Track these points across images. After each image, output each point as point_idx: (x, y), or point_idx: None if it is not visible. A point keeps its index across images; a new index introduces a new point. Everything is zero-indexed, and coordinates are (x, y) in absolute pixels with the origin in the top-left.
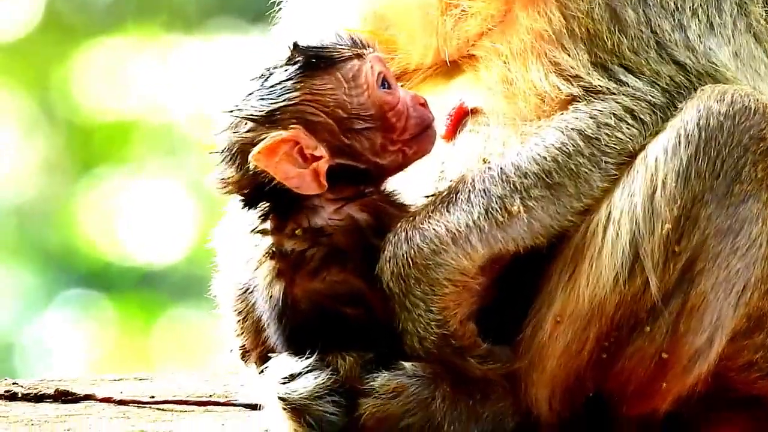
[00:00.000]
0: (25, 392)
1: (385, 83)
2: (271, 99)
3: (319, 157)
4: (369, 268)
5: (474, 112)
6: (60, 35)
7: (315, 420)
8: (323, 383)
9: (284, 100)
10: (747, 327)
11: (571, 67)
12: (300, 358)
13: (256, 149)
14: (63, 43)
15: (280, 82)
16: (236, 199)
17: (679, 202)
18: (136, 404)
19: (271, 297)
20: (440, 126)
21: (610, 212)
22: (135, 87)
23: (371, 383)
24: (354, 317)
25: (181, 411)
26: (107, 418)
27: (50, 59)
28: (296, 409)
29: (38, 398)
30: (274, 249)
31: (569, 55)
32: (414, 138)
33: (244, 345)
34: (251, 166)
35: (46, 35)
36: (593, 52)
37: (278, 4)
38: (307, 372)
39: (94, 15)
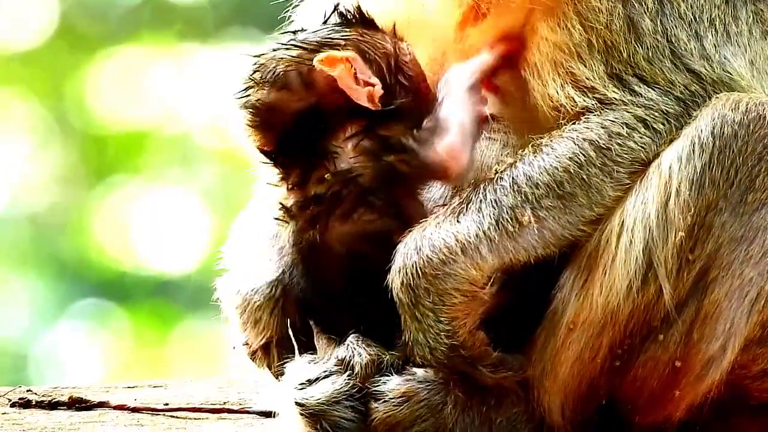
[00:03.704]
0: (39, 400)
1: None
2: (322, 34)
3: (373, 84)
4: (395, 213)
5: (492, 118)
6: (75, 44)
7: (331, 425)
8: (341, 388)
9: (341, 36)
10: (761, 335)
11: (587, 78)
12: (316, 360)
13: (319, 56)
14: (78, 53)
15: (328, 27)
16: (256, 145)
17: (692, 210)
18: (150, 411)
19: (303, 243)
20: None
21: (623, 220)
22: (150, 96)
23: (382, 386)
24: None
25: (195, 418)
26: (121, 425)
27: (65, 68)
28: (313, 415)
29: (52, 406)
30: (302, 202)
31: (585, 66)
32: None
33: (247, 341)
34: (316, 69)
35: (60, 44)
36: (609, 63)
37: (293, 14)
38: (325, 377)
39: (108, 24)
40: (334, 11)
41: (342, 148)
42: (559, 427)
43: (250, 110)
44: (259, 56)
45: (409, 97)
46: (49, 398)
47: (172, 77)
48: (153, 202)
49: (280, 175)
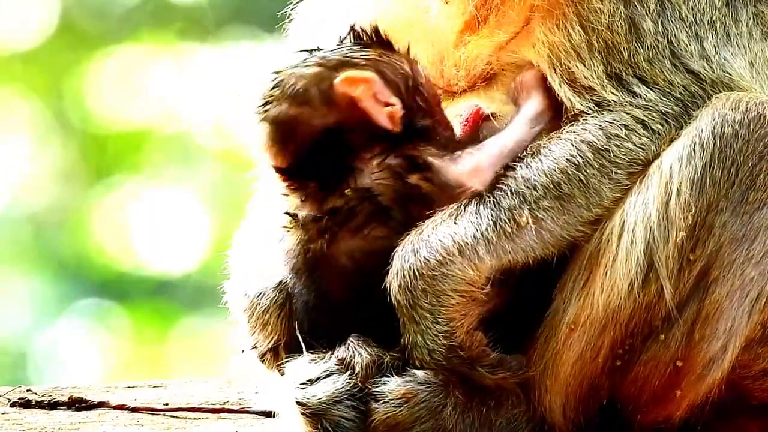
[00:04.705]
0: (39, 399)
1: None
2: (345, 51)
3: (393, 105)
4: (407, 228)
5: (491, 117)
6: (75, 43)
7: (332, 425)
8: (342, 388)
9: (361, 56)
10: (762, 335)
11: (585, 78)
12: (317, 360)
13: (341, 76)
14: (77, 51)
15: (346, 46)
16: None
17: (693, 210)
18: (150, 411)
19: (309, 253)
20: (457, 129)
21: (624, 220)
22: (149, 95)
23: (382, 387)
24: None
25: (195, 418)
26: (121, 425)
27: (65, 67)
28: (314, 414)
29: (52, 405)
30: (314, 214)
31: (585, 66)
32: (446, 132)
33: (255, 344)
34: (337, 89)
35: (60, 43)
36: (609, 63)
37: (293, 12)
38: (326, 376)
39: (108, 23)
40: (351, 31)
41: (366, 166)
42: (560, 427)
43: (270, 125)
44: (278, 72)
45: (427, 119)
46: (49, 398)
47: (172, 76)
48: (153, 201)
49: (293, 187)
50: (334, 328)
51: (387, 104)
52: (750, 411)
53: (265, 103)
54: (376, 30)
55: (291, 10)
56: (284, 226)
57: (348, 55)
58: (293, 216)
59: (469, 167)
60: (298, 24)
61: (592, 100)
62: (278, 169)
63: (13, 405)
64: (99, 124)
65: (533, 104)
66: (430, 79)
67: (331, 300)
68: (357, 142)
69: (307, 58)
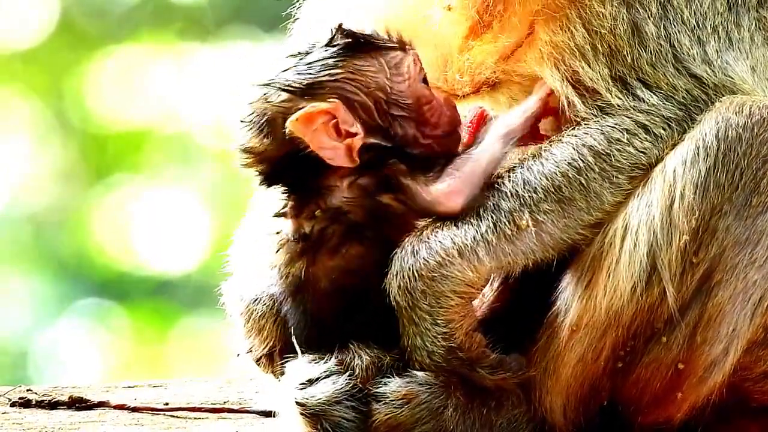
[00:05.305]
0: (39, 399)
1: (425, 80)
2: (310, 74)
3: (354, 134)
4: (385, 244)
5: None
6: (74, 43)
7: (332, 425)
8: (342, 388)
9: (325, 75)
10: (763, 337)
11: (590, 79)
12: (316, 360)
13: (294, 116)
14: (77, 51)
15: (320, 59)
16: (255, 175)
17: (697, 214)
18: (150, 411)
19: (290, 277)
20: (462, 132)
21: (627, 223)
22: (149, 95)
23: (383, 388)
24: (373, 295)
25: (195, 418)
26: (121, 425)
27: (64, 67)
28: (314, 415)
29: (52, 405)
30: (293, 233)
31: (590, 67)
32: (444, 136)
33: (251, 348)
34: (286, 132)
35: (60, 43)
36: (614, 66)
37: (294, 13)
38: (326, 377)
39: (108, 23)
40: (337, 31)
41: (336, 186)
42: (561, 428)
43: (243, 153)
44: (250, 103)
45: (410, 127)
46: (49, 398)
47: (172, 76)
48: (153, 201)
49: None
50: (328, 343)
51: (348, 134)
52: (750, 413)
53: (239, 133)
54: (352, 33)
55: (295, 10)
56: (274, 232)
57: (316, 76)
58: (282, 215)
59: (442, 191)
60: (301, 24)
61: (595, 104)
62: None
63: (13, 405)
64: (99, 124)
65: (504, 120)
66: (415, 76)
67: (319, 319)
68: (325, 164)
69: (276, 82)
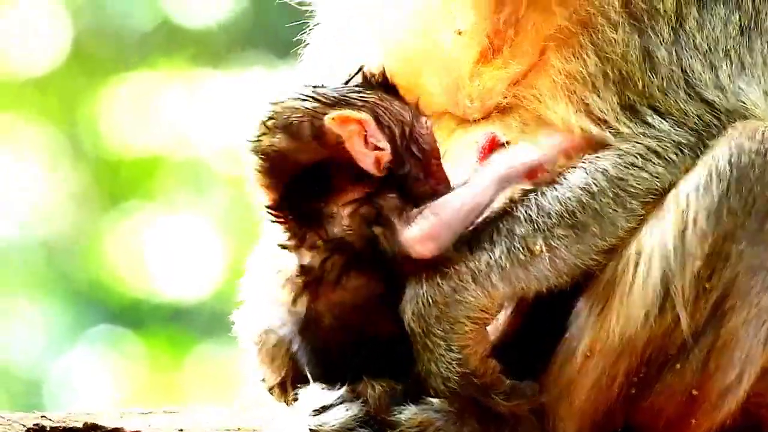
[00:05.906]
0: (54, 426)
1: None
2: (342, 92)
3: (382, 149)
4: (387, 275)
5: (507, 144)
6: (87, 69)
7: None
8: (355, 415)
9: (357, 95)
10: None
11: (600, 110)
12: (329, 387)
13: (332, 114)
14: (90, 78)
15: (352, 86)
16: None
17: (710, 240)
18: None
19: (295, 316)
20: (473, 157)
21: (641, 249)
22: (162, 121)
23: (398, 416)
24: (377, 329)
25: None
26: None
27: (78, 93)
28: None
29: None
30: (297, 268)
31: (599, 97)
32: (435, 193)
33: (264, 377)
34: (326, 126)
35: (73, 69)
36: (624, 93)
37: (306, 38)
38: (339, 404)
39: (121, 49)
40: (358, 71)
41: (338, 213)
42: None
43: (260, 155)
44: (275, 103)
45: (418, 170)
46: (64, 424)
47: (185, 102)
48: (166, 227)
49: (279, 222)
50: (338, 379)
51: (376, 148)
52: None
53: (259, 134)
54: (383, 74)
55: (305, 35)
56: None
57: (347, 94)
58: (285, 247)
59: (419, 234)
60: (311, 50)
61: (607, 130)
62: (267, 206)
63: (28, 431)
64: (112, 150)
65: (507, 161)
66: (433, 133)
67: (327, 356)
68: (339, 183)
69: (304, 92)
